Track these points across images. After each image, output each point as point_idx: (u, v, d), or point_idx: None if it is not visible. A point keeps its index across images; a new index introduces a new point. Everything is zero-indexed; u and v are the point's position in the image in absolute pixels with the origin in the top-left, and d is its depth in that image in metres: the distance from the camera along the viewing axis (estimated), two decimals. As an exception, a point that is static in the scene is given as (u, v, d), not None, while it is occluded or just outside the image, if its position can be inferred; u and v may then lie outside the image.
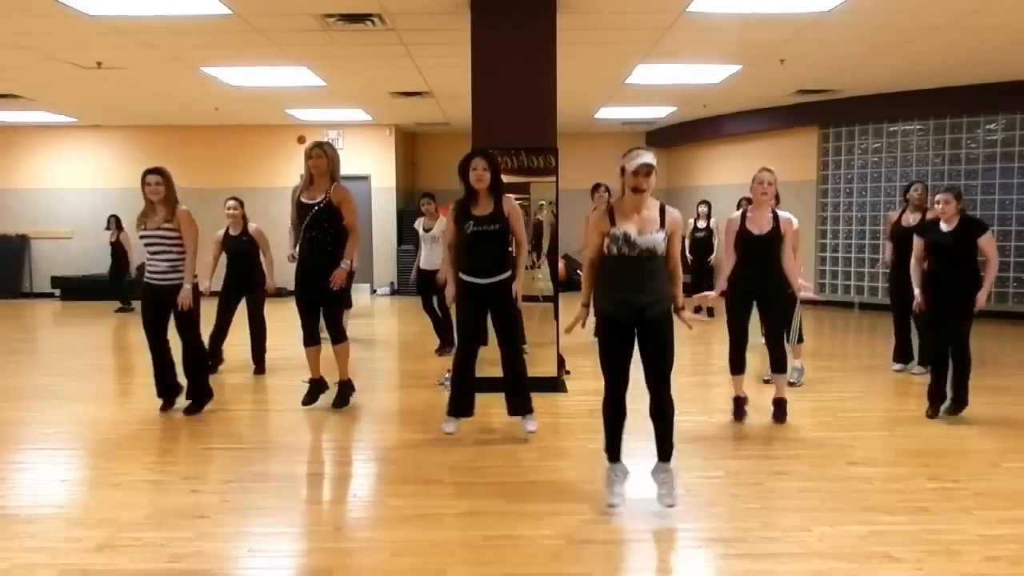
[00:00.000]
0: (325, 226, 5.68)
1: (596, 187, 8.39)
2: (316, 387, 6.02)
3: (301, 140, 14.38)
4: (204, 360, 6.15)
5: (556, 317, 6.65)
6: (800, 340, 6.88)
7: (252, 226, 7.39)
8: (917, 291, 5.67)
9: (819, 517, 3.86)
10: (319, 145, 5.76)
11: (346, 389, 6.05)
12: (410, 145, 15.97)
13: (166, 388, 5.96)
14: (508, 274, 5.15)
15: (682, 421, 5.60)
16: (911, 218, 7.00)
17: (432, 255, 8.21)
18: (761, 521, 3.82)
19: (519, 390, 5.27)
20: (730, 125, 13.39)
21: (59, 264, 14.41)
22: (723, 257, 5.65)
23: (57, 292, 14.21)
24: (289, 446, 5.34)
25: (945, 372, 5.56)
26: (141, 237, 5.82)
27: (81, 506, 4.21)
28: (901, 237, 6.89)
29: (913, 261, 5.77)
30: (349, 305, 8.75)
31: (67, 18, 6.69)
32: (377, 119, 13.62)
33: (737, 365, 5.59)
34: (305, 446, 5.38)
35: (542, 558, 3.46)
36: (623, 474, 4.08)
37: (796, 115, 12.11)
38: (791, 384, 6.38)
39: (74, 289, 13.95)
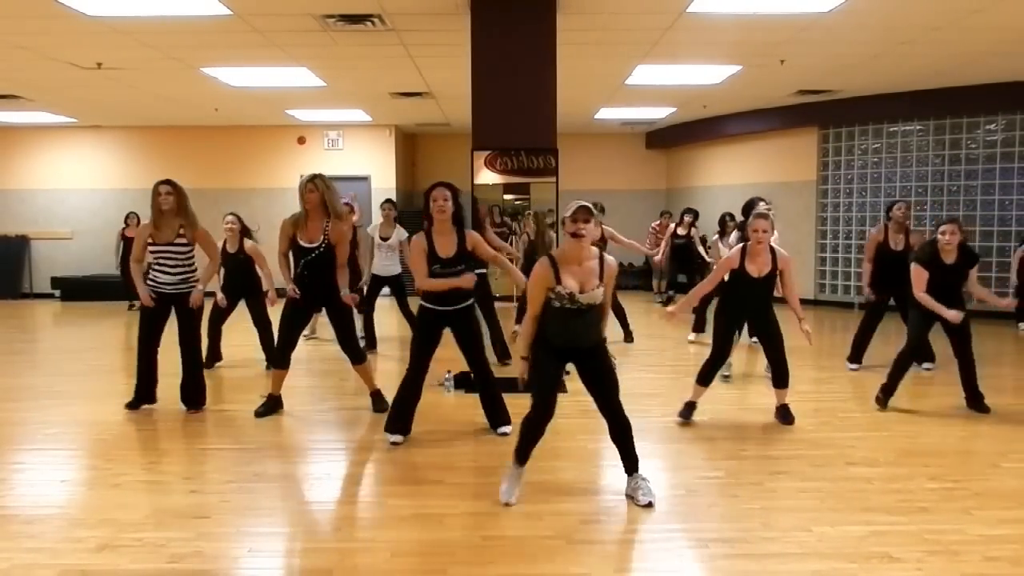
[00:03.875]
0: (324, 268, 5.65)
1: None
2: (276, 403, 6.00)
3: (301, 141, 14.41)
4: (202, 363, 6.25)
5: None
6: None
7: (248, 243, 7.42)
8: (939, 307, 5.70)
9: (819, 517, 3.86)
10: (312, 179, 5.59)
11: (379, 398, 6.03)
12: (410, 145, 15.97)
13: (148, 392, 6.04)
14: (470, 301, 5.21)
15: (682, 421, 5.63)
16: (898, 240, 7.10)
17: (389, 263, 8.18)
18: (761, 521, 3.82)
19: (497, 403, 5.37)
20: (730, 125, 13.39)
21: (59, 264, 14.41)
22: (705, 286, 5.60)
23: (57, 292, 14.21)
24: (289, 446, 5.35)
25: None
26: (151, 250, 5.81)
27: (81, 506, 4.20)
28: (888, 260, 7.05)
29: (918, 293, 5.74)
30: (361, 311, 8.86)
31: (67, 18, 6.70)
32: (377, 120, 13.62)
33: (707, 378, 5.62)
34: (305, 446, 5.38)
35: (542, 558, 3.46)
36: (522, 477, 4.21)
37: (796, 115, 12.11)
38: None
39: (74, 289, 13.95)
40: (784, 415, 5.62)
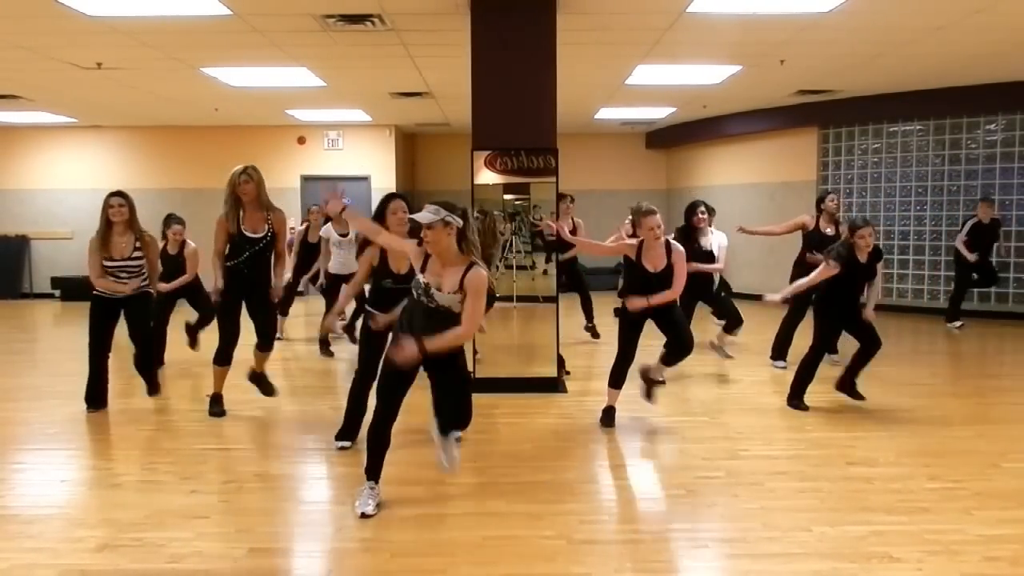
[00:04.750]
0: (267, 255, 5.66)
1: (561, 197, 8.53)
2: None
3: (301, 141, 14.40)
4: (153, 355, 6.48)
5: (557, 318, 6.65)
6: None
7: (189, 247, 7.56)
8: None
9: (819, 517, 3.86)
10: (246, 170, 5.56)
11: (262, 380, 6.09)
12: (410, 145, 15.96)
13: (100, 395, 6.09)
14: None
15: (682, 421, 5.63)
16: (828, 228, 7.44)
17: (347, 260, 8.02)
18: (761, 521, 3.82)
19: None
20: (730, 125, 13.38)
21: (59, 265, 14.40)
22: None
23: (57, 293, 14.21)
24: (289, 446, 5.35)
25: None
26: (107, 266, 5.81)
27: (81, 506, 4.21)
28: (817, 242, 7.27)
29: (812, 277, 5.87)
30: (284, 314, 9.00)
31: (67, 18, 6.69)
32: (377, 119, 13.62)
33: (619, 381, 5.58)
34: (305, 446, 5.37)
35: (542, 558, 3.46)
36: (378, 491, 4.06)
37: (796, 115, 12.10)
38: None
39: (74, 290, 13.92)
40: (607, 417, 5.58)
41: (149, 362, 6.39)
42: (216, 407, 5.90)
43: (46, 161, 14.50)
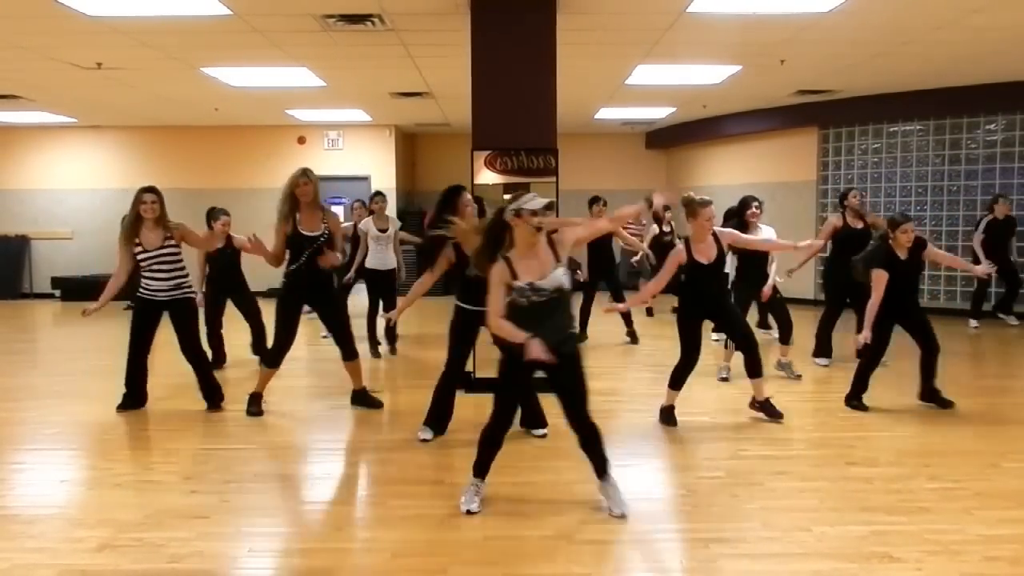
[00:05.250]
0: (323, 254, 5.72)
1: (595, 200, 8.67)
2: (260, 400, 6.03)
3: (301, 140, 14.40)
4: (208, 362, 6.27)
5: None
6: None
7: (238, 237, 7.51)
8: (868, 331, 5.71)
9: (819, 517, 3.86)
10: (305, 172, 5.74)
11: (365, 396, 6.09)
12: (410, 145, 15.96)
13: (138, 395, 6.05)
14: None
15: (682, 421, 5.63)
16: (857, 223, 7.38)
17: (385, 256, 8.18)
18: (761, 521, 3.82)
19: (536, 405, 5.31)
20: (730, 125, 13.38)
21: (59, 265, 14.40)
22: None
23: (57, 293, 14.20)
24: (289, 446, 5.35)
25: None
26: (141, 258, 5.80)
27: (81, 506, 4.21)
28: (847, 238, 7.25)
29: (876, 294, 5.68)
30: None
31: (67, 18, 6.69)
32: (377, 119, 13.62)
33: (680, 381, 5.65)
34: (305, 446, 5.38)
35: (542, 558, 3.46)
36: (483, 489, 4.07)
37: (796, 115, 12.10)
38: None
39: (74, 290, 13.93)
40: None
41: (208, 377, 6.09)
42: (254, 407, 5.89)
43: (46, 161, 14.50)
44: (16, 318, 12.33)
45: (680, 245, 5.49)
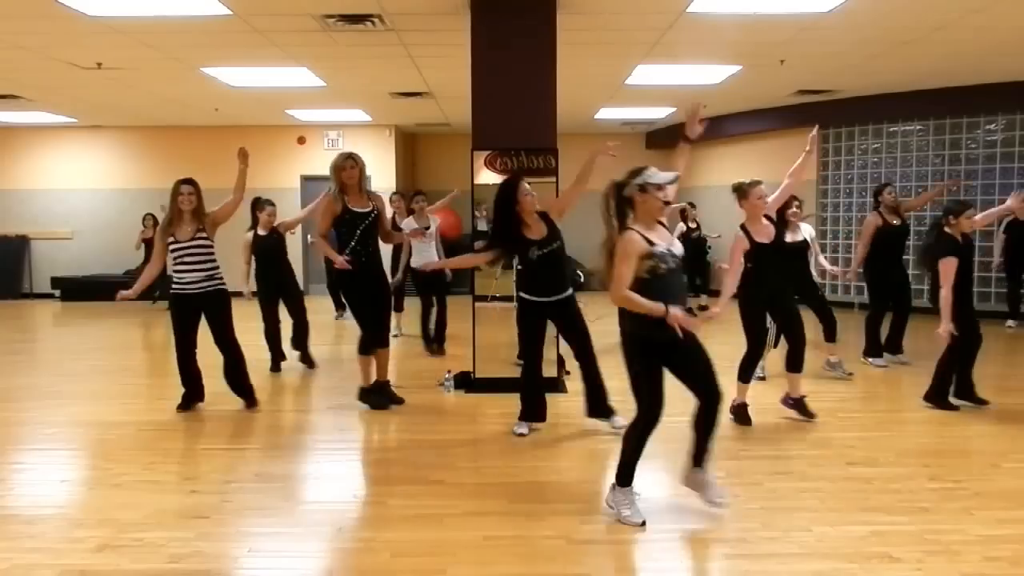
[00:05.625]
0: (374, 233, 5.85)
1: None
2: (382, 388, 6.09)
3: (301, 141, 14.40)
4: (242, 356, 6.16)
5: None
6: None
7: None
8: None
9: (819, 517, 3.86)
10: (352, 156, 5.87)
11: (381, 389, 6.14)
12: (410, 145, 15.96)
13: (195, 391, 6.03)
14: (571, 291, 5.30)
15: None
16: (895, 219, 7.41)
17: (429, 254, 8.25)
18: (761, 521, 3.82)
19: (603, 394, 5.37)
20: (730, 125, 13.38)
21: (59, 264, 14.40)
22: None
23: (57, 293, 14.20)
24: (289, 446, 5.35)
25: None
26: (172, 249, 5.78)
27: (81, 506, 4.21)
28: (888, 235, 7.34)
29: (948, 285, 5.55)
30: (399, 308, 9.10)
31: (67, 18, 6.69)
32: (377, 119, 13.62)
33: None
34: (305, 446, 5.38)
35: (542, 558, 3.46)
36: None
37: (796, 115, 12.10)
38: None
39: (74, 290, 13.95)
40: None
41: (239, 373, 6.04)
42: (376, 398, 5.95)
43: (46, 161, 14.50)
44: (16, 318, 12.33)
45: (739, 232, 5.45)
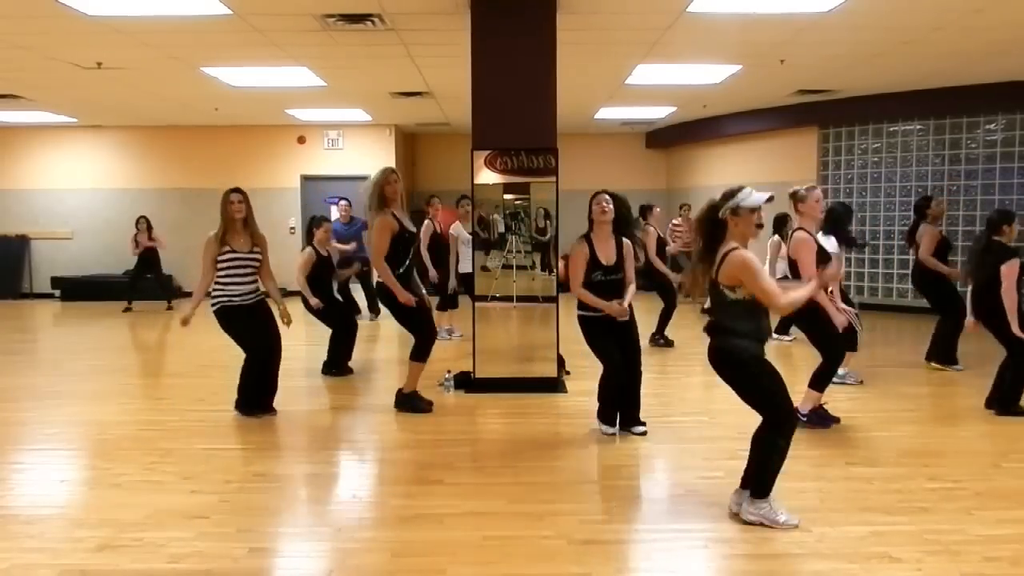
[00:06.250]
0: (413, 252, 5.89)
1: (682, 206, 8.63)
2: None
3: (301, 140, 14.40)
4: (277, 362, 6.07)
5: (557, 318, 6.65)
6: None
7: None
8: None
9: (819, 517, 3.86)
10: (394, 171, 5.76)
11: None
12: (410, 145, 15.97)
13: (262, 398, 5.93)
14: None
15: (682, 421, 5.63)
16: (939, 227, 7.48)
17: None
18: (761, 521, 3.81)
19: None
20: (730, 125, 13.39)
21: (59, 264, 14.40)
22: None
23: (57, 293, 14.20)
24: (289, 446, 5.35)
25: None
26: (229, 259, 5.61)
27: (81, 506, 4.21)
28: (942, 244, 7.34)
29: (1010, 286, 5.59)
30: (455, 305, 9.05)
31: (67, 18, 6.69)
32: (377, 119, 13.62)
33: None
34: (305, 446, 5.38)
35: (542, 558, 3.46)
36: None
37: (796, 115, 12.11)
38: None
39: (74, 290, 13.94)
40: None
41: (266, 381, 5.89)
42: (421, 402, 5.93)
43: (46, 161, 14.50)
44: (16, 318, 12.33)
45: (804, 234, 5.35)
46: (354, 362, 7.53)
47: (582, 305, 5.17)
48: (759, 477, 3.78)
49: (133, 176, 14.35)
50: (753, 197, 3.65)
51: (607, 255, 5.11)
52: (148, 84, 9.94)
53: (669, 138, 15.09)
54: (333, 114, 13.05)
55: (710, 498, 4.16)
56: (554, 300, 6.68)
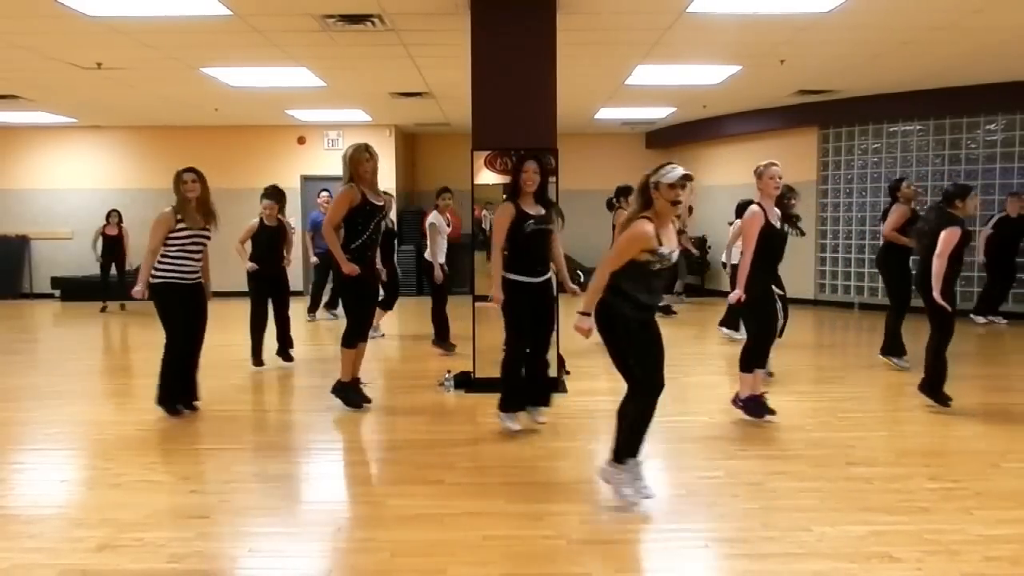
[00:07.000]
0: (381, 228, 5.86)
1: (628, 191, 8.64)
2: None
3: (301, 141, 14.40)
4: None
5: (556, 318, 6.63)
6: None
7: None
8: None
9: (819, 517, 3.86)
10: (368, 148, 5.67)
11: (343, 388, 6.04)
12: (410, 145, 15.97)
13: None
14: (550, 275, 5.39)
15: (682, 421, 5.63)
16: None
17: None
18: (761, 521, 3.81)
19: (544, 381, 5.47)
20: (730, 125, 13.39)
21: (59, 264, 14.41)
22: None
23: (57, 293, 14.21)
24: (289, 446, 5.35)
25: None
26: (180, 236, 5.65)
27: (81, 506, 4.21)
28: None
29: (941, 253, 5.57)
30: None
31: (67, 18, 6.70)
32: (377, 119, 13.62)
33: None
34: (305, 446, 5.38)
35: (542, 558, 3.46)
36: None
37: (796, 115, 12.11)
38: None
39: (74, 290, 13.94)
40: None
41: (187, 372, 5.83)
42: (354, 395, 5.90)
43: (46, 161, 14.50)
44: (16, 318, 12.33)
45: (756, 207, 5.41)
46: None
47: (508, 266, 5.23)
48: (616, 441, 4.01)
49: (133, 176, 14.35)
50: (671, 173, 3.81)
51: (535, 211, 5.24)
52: (148, 84, 9.95)
53: (669, 138, 15.09)
54: (333, 114, 13.05)
55: (710, 498, 4.16)
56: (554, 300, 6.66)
